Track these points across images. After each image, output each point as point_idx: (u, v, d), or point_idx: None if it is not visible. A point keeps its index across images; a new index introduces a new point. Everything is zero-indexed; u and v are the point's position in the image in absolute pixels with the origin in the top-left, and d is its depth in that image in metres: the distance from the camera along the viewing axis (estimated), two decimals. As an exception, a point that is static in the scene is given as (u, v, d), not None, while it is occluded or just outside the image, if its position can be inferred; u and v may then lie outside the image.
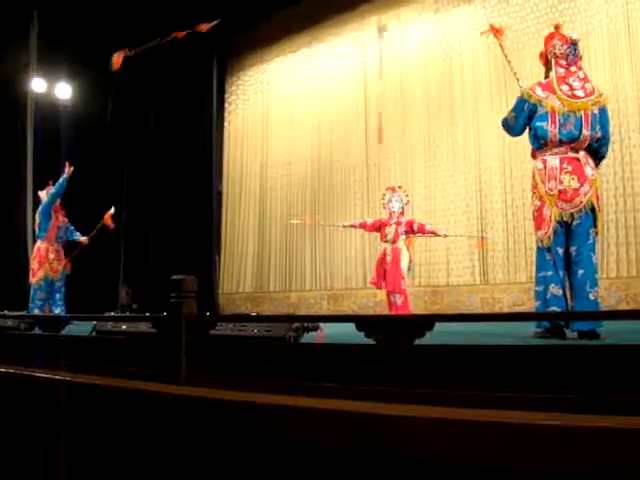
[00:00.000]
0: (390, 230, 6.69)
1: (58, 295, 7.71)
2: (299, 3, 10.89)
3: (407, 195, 7.02)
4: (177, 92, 11.49)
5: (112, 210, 8.18)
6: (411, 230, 6.71)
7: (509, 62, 4.50)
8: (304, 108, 11.04)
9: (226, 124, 12.32)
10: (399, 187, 7.13)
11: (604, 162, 7.40)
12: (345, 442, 1.66)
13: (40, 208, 7.80)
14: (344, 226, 7.71)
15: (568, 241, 3.82)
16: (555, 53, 4.01)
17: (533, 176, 3.95)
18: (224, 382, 2.17)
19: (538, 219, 3.88)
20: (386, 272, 6.61)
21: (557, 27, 4.22)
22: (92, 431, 2.43)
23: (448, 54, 9.30)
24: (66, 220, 7.96)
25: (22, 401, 2.78)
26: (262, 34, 11.62)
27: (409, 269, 6.80)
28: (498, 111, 7.36)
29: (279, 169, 11.29)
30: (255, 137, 11.81)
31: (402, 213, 6.82)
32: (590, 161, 3.85)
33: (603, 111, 3.90)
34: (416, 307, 8.93)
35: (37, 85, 10.44)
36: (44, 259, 7.64)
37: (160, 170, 11.60)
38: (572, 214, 3.73)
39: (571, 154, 3.79)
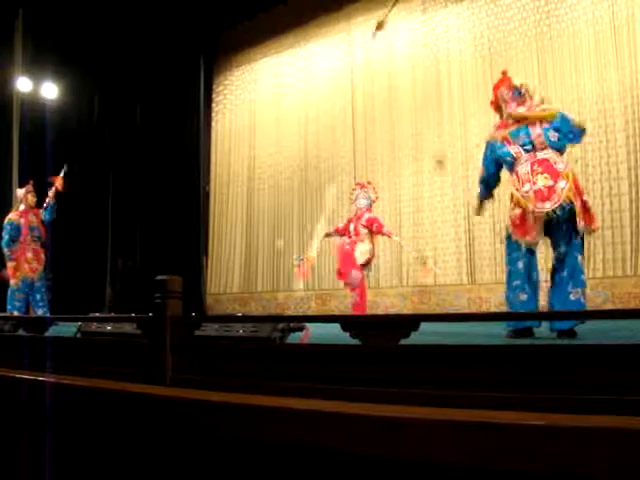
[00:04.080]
0: (352, 225, 6.65)
1: (39, 296, 7.64)
2: (286, 3, 10.87)
3: (376, 192, 6.96)
4: (164, 92, 11.45)
5: (63, 170, 8.06)
6: (370, 228, 6.63)
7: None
8: (291, 108, 11.03)
9: (213, 124, 12.29)
10: (368, 183, 7.09)
11: (590, 162, 7.55)
12: (331, 443, 1.66)
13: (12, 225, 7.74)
14: (327, 235, 7.56)
15: (553, 242, 3.91)
16: (504, 99, 4.27)
17: (510, 188, 4.07)
18: (209, 383, 2.15)
19: (521, 226, 3.91)
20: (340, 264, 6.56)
21: (504, 73, 4.46)
22: (78, 433, 2.41)
23: (435, 54, 9.31)
24: (37, 218, 7.88)
25: (7, 403, 2.76)
26: (249, 34, 11.59)
27: (367, 266, 6.65)
28: (485, 111, 7.35)
29: (266, 169, 11.27)
30: (242, 137, 11.78)
31: (369, 210, 6.77)
32: (560, 158, 3.94)
33: (555, 122, 4.00)
34: (404, 307, 8.95)
35: (23, 84, 10.36)
36: (21, 260, 7.58)
37: (147, 170, 11.53)
38: (553, 211, 3.77)
39: (539, 156, 3.90)
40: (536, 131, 3.92)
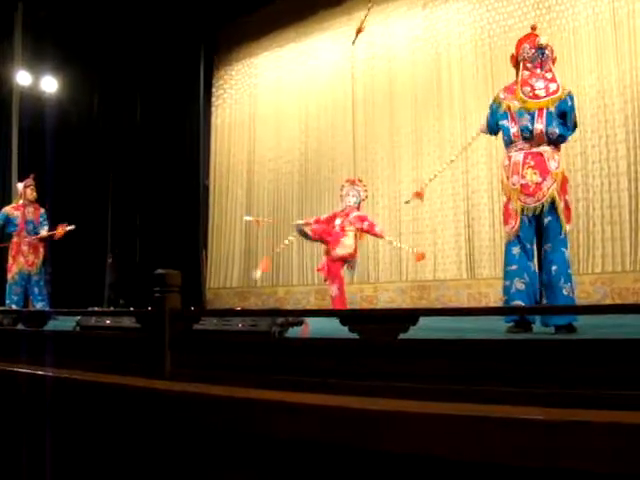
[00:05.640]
0: (338, 221, 6.56)
1: (37, 289, 7.61)
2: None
3: (366, 190, 6.89)
4: (164, 86, 11.44)
5: (69, 227, 7.84)
6: (360, 226, 6.56)
7: None
8: (291, 102, 11.02)
9: (213, 118, 12.27)
10: (359, 180, 7.03)
11: (590, 158, 7.55)
12: (330, 437, 1.66)
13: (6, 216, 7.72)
14: (298, 225, 7.36)
15: (540, 238, 3.92)
16: (523, 57, 4.10)
17: (501, 172, 4.09)
18: (208, 377, 2.15)
19: (505, 214, 4.00)
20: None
21: (533, 28, 4.30)
22: (77, 427, 2.41)
23: (436, 49, 9.30)
24: (39, 212, 7.85)
25: (6, 397, 2.76)
26: (250, 28, 11.57)
27: (351, 266, 6.63)
28: (485, 106, 7.35)
29: (266, 163, 11.26)
30: (242, 131, 11.77)
31: (357, 208, 6.70)
32: (556, 156, 3.92)
33: (563, 103, 3.90)
34: (403, 302, 8.96)
35: (22, 78, 10.34)
36: (18, 253, 7.56)
37: (147, 164, 11.54)
38: (536, 208, 3.81)
39: (535, 149, 3.89)
40: (538, 127, 3.83)
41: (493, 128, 4.25)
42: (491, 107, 4.21)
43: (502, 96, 4.07)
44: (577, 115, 4.05)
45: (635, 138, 7.40)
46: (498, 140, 7.45)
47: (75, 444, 2.42)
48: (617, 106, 7.56)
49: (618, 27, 7.67)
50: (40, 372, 2.56)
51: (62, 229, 7.75)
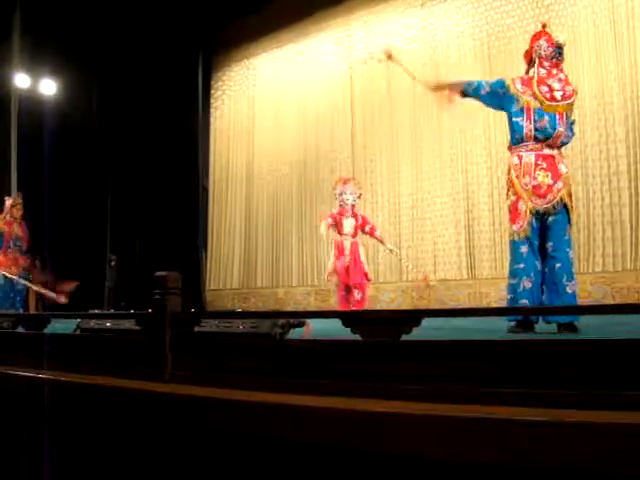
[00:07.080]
0: (348, 224, 6.53)
1: (18, 298, 7.99)
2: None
3: (360, 188, 6.87)
4: (163, 88, 11.42)
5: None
6: (362, 228, 6.54)
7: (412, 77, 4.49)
8: (290, 103, 11.02)
9: (212, 120, 12.26)
10: (352, 178, 7.03)
11: (590, 157, 7.53)
12: (332, 439, 1.65)
13: None
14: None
15: (544, 236, 3.92)
16: (540, 54, 4.06)
17: (509, 171, 4.06)
18: (209, 379, 2.14)
19: (513, 213, 3.98)
20: (347, 268, 6.44)
21: (544, 25, 4.29)
22: (77, 430, 2.40)
23: (434, 49, 9.29)
24: (21, 228, 8.15)
25: (5, 400, 2.75)
26: (248, 29, 11.56)
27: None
28: (484, 106, 7.37)
29: (265, 164, 11.26)
30: (241, 133, 11.76)
31: (354, 206, 6.69)
32: (564, 159, 3.96)
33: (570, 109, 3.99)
34: (403, 302, 8.95)
35: (21, 81, 10.33)
36: (2, 265, 7.88)
37: (146, 166, 11.53)
38: (546, 209, 3.83)
39: (546, 151, 3.89)
40: (560, 129, 3.84)
41: (484, 98, 4.15)
42: (499, 88, 4.07)
43: (520, 89, 3.96)
44: (574, 115, 4.09)
45: (635, 136, 7.38)
46: (497, 138, 7.46)
47: (75, 447, 2.41)
48: (617, 104, 7.54)
49: (617, 25, 7.66)
50: (40, 375, 2.55)
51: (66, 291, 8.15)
